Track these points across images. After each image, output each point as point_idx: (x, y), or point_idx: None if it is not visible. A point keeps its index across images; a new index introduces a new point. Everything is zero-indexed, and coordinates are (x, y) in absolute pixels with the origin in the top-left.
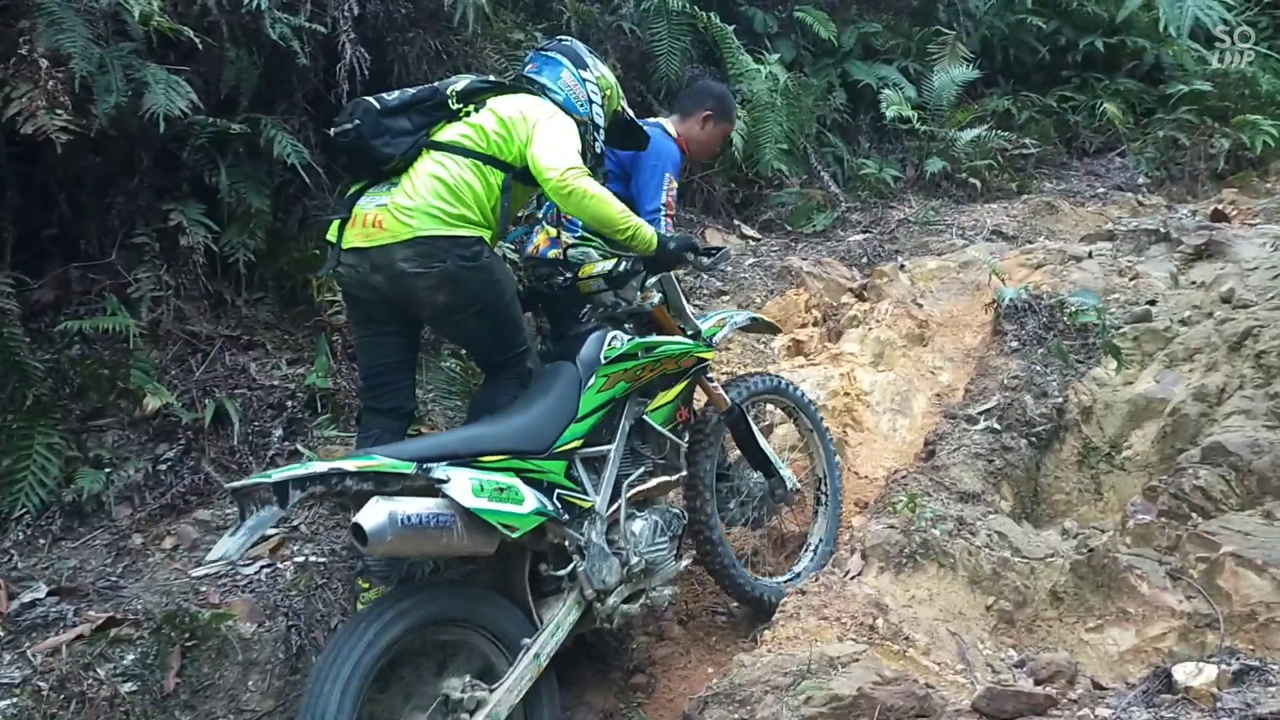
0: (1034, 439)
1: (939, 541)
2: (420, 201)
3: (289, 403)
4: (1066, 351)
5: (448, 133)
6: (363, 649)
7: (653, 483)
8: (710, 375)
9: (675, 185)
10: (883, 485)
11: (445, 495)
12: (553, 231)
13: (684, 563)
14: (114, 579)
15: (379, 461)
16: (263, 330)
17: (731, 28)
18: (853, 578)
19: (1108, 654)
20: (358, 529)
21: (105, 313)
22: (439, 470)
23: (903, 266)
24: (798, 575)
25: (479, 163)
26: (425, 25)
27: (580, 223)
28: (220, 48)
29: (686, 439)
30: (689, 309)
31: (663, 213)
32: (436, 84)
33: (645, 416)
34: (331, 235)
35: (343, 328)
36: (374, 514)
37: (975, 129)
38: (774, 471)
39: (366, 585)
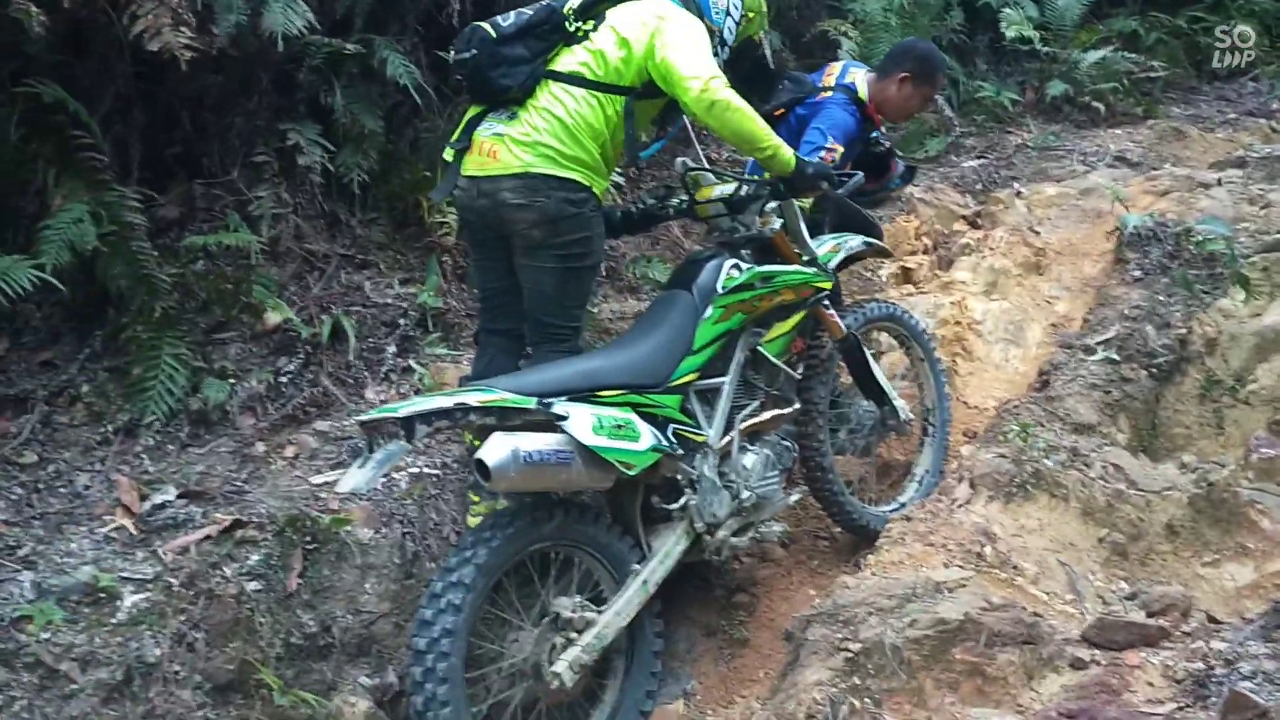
0: (1154, 370)
1: (1051, 472)
2: (535, 137)
3: (401, 320)
4: (1192, 281)
5: (566, 61)
6: (484, 557)
7: (765, 416)
8: (827, 303)
9: (840, 149)
10: (993, 415)
11: (565, 432)
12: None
13: (793, 497)
14: (239, 484)
15: (501, 396)
16: (376, 250)
17: None
18: (960, 506)
19: (1224, 589)
20: (481, 464)
21: (228, 229)
22: (559, 406)
23: (1019, 193)
24: (903, 505)
25: (598, 93)
26: None
27: None
28: None
29: (800, 369)
30: (807, 235)
31: (819, 155)
32: (553, 2)
33: (760, 347)
34: (448, 156)
35: (453, 249)
36: (497, 450)
37: (1100, 50)
38: (886, 400)
39: (477, 500)
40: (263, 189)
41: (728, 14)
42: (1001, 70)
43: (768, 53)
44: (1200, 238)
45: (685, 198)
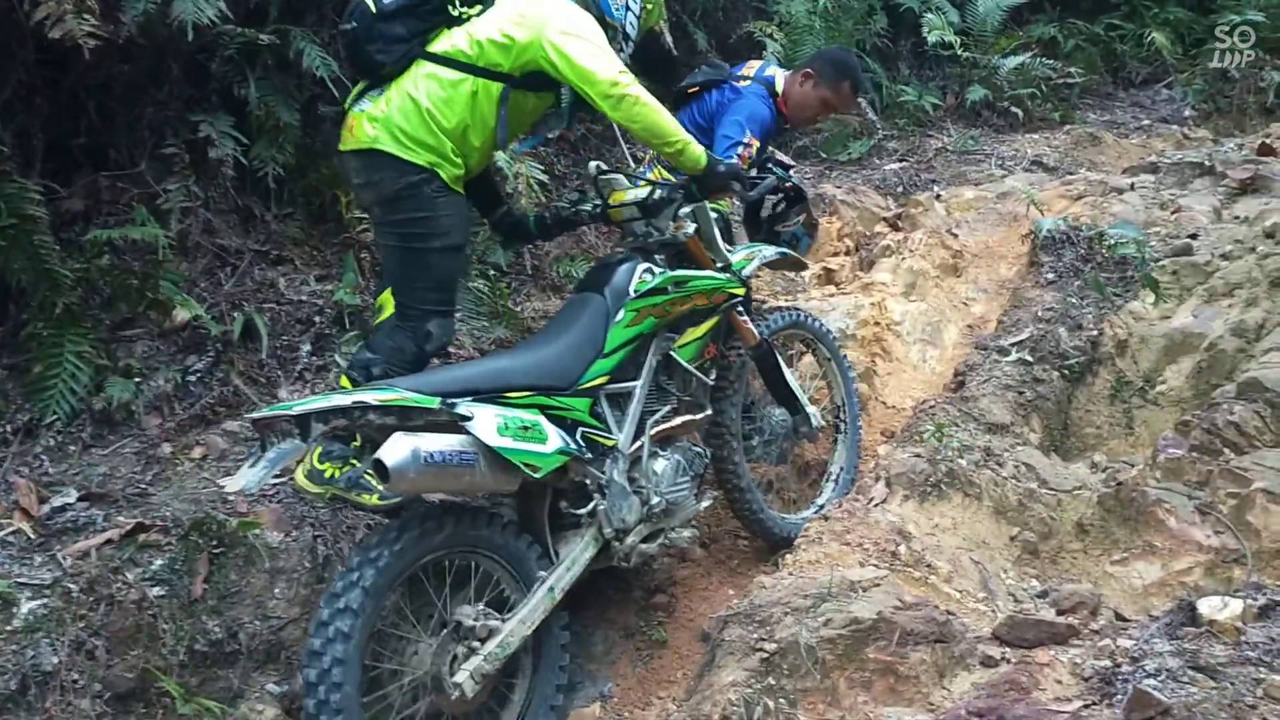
0: (1066, 372)
1: (965, 471)
2: (386, 114)
3: (317, 318)
4: (1103, 284)
5: (443, 43)
6: (371, 578)
7: (677, 421)
8: (740, 310)
9: (756, 143)
10: (910, 415)
11: (469, 433)
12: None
13: (704, 503)
14: (143, 486)
15: (403, 395)
16: (291, 245)
17: None
18: (877, 505)
19: (1132, 587)
20: (379, 464)
21: (135, 223)
22: (463, 406)
23: (939, 196)
24: (820, 507)
25: (473, 76)
26: None
27: None
28: None
29: (713, 376)
30: (720, 241)
31: (735, 153)
32: None
33: (672, 352)
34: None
35: (369, 244)
36: (397, 450)
37: (1019, 56)
38: (799, 408)
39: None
40: (172, 181)
41: (628, 9)
42: (924, 75)
43: (668, 41)
44: (1112, 242)
45: (598, 202)
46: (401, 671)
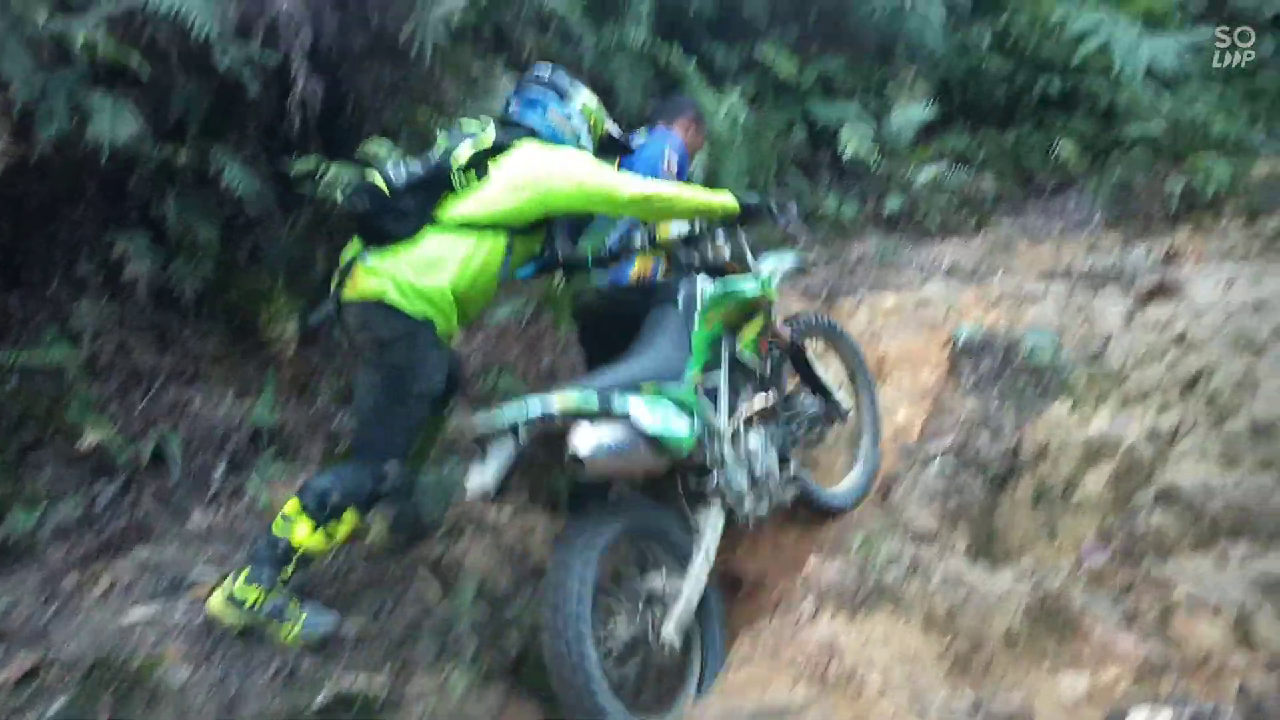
0: (990, 478)
1: (893, 583)
2: (391, 270)
3: (233, 438)
4: (1022, 390)
5: (451, 209)
6: (592, 541)
7: (757, 405)
8: (772, 313)
9: (675, 164)
10: (839, 524)
11: (630, 423)
12: (650, 258)
13: (791, 470)
14: (44, 622)
15: (575, 396)
16: (209, 363)
17: (692, 63)
18: (807, 621)
19: (1063, 698)
20: (575, 457)
21: (45, 344)
22: (618, 401)
23: (862, 303)
24: (857, 487)
25: (480, 232)
26: (383, 57)
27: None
28: (168, 76)
29: (769, 367)
30: (750, 258)
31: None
32: (440, 158)
33: (738, 350)
34: (333, 285)
35: (291, 361)
36: (587, 441)
37: (934, 166)
38: (829, 395)
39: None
40: (85, 301)
41: (578, 133)
42: (844, 185)
43: (616, 131)
44: (1029, 348)
45: (647, 236)
46: (610, 639)
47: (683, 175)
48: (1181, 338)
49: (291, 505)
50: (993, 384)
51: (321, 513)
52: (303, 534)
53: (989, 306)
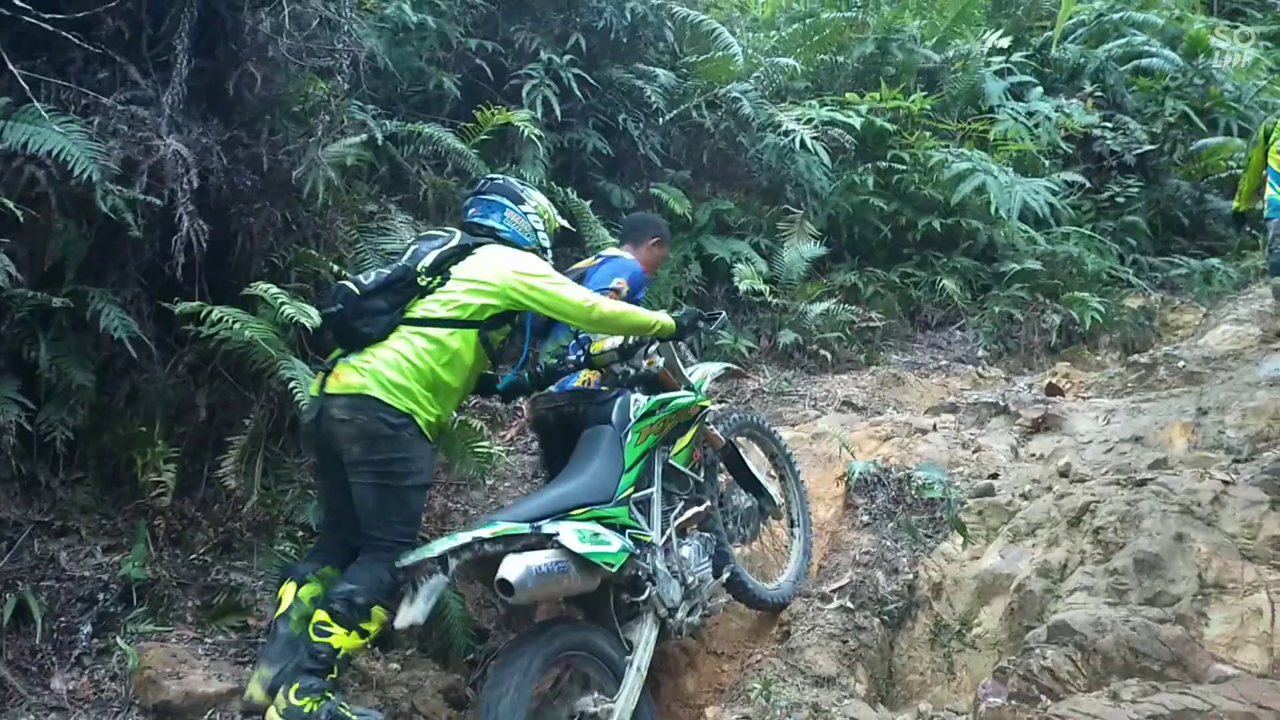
0: (886, 617)
1: None
2: (373, 368)
3: (101, 595)
4: (915, 526)
5: (420, 309)
6: (530, 662)
7: (688, 514)
8: (706, 419)
9: (625, 287)
10: (739, 668)
11: (559, 545)
12: (593, 376)
13: (724, 576)
14: None
15: (505, 526)
16: (78, 514)
17: (588, 202)
18: None
19: None
20: (504, 583)
21: None
22: (548, 526)
23: None
24: (793, 580)
25: (450, 329)
26: (273, 196)
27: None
28: (47, 219)
29: (702, 475)
30: (682, 368)
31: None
32: (407, 262)
33: (670, 460)
34: (314, 390)
35: (167, 511)
36: (515, 568)
37: (824, 302)
38: (762, 490)
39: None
40: None
41: (535, 230)
42: (739, 319)
43: (565, 224)
44: (920, 483)
45: (581, 352)
46: None
47: (636, 297)
48: (1065, 471)
49: (322, 615)
50: (887, 519)
51: (351, 615)
52: (339, 638)
53: (881, 441)
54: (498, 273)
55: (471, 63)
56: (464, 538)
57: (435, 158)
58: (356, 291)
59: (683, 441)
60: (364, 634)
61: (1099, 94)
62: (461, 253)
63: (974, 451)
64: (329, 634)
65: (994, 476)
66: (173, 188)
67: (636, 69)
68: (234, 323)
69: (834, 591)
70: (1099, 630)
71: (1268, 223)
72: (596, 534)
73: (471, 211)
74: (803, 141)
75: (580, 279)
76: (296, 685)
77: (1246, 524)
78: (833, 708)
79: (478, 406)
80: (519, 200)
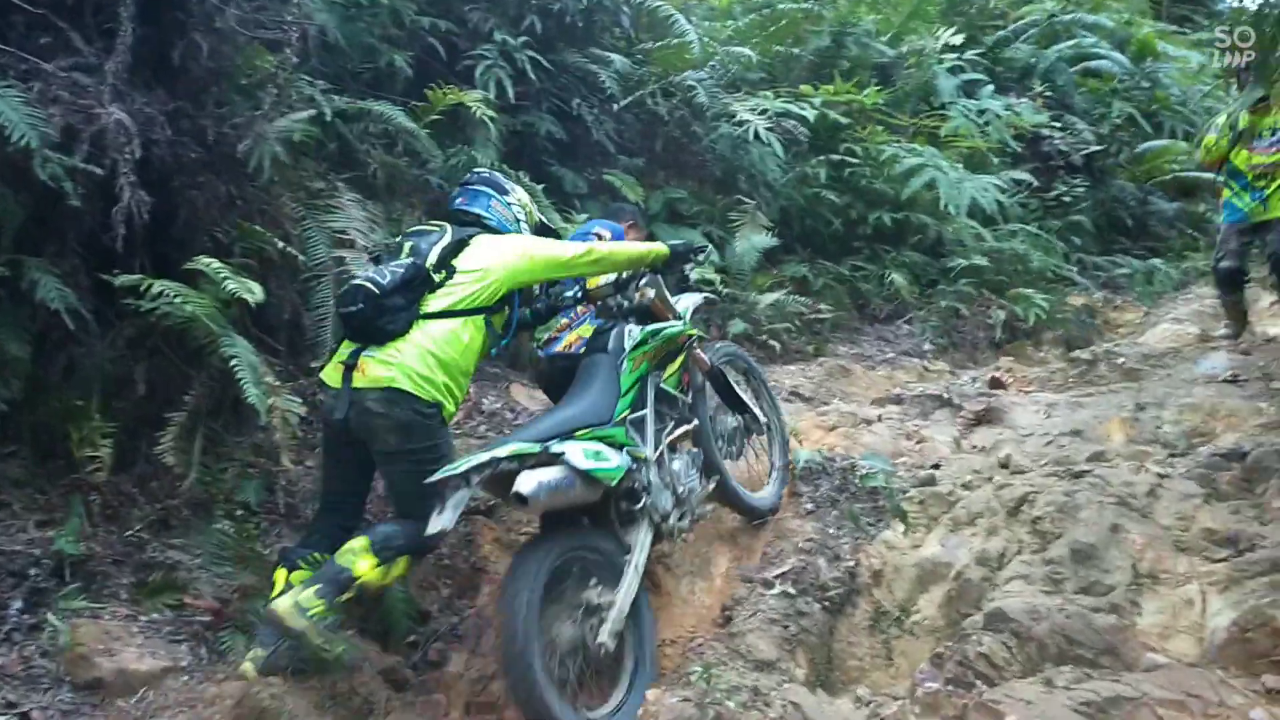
0: (828, 603)
1: (734, 714)
2: (399, 361)
3: (33, 570)
4: (858, 514)
5: (434, 303)
6: (542, 560)
7: (678, 432)
8: (693, 347)
9: (608, 235)
10: (681, 653)
11: (566, 463)
12: (576, 335)
13: (711, 485)
14: None
15: (518, 446)
16: (11, 488)
17: (541, 186)
18: None
19: None
20: (519, 496)
21: None
22: (555, 446)
23: None
24: (776, 492)
25: (462, 318)
26: (218, 170)
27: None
28: None
29: (690, 396)
30: (670, 300)
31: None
32: (415, 260)
33: (661, 384)
34: (333, 380)
35: (102, 486)
36: (528, 483)
37: (775, 293)
38: (747, 409)
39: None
40: None
41: (518, 220)
42: None
43: (545, 221)
44: (864, 472)
45: (579, 288)
46: (555, 643)
47: None
48: (1006, 463)
49: (361, 542)
50: (831, 508)
51: (385, 553)
52: (365, 568)
53: (827, 430)
54: (499, 257)
55: (424, 41)
56: (484, 457)
57: (385, 136)
58: (377, 291)
59: (673, 367)
60: (385, 574)
61: (1048, 94)
62: (459, 246)
63: (917, 442)
64: (356, 559)
65: (936, 467)
66: (114, 157)
67: (592, 54)
68: (175, 297)
69: (776, 577)
70: (1035, 618)
71: (1221, 226)
72: (598, 452)
73: (459, 200)
74: (757, 132)
75: None
76: (315, 588)
77: (1180, 516)
78: (772, 692)
79: None
80: (504, 191)
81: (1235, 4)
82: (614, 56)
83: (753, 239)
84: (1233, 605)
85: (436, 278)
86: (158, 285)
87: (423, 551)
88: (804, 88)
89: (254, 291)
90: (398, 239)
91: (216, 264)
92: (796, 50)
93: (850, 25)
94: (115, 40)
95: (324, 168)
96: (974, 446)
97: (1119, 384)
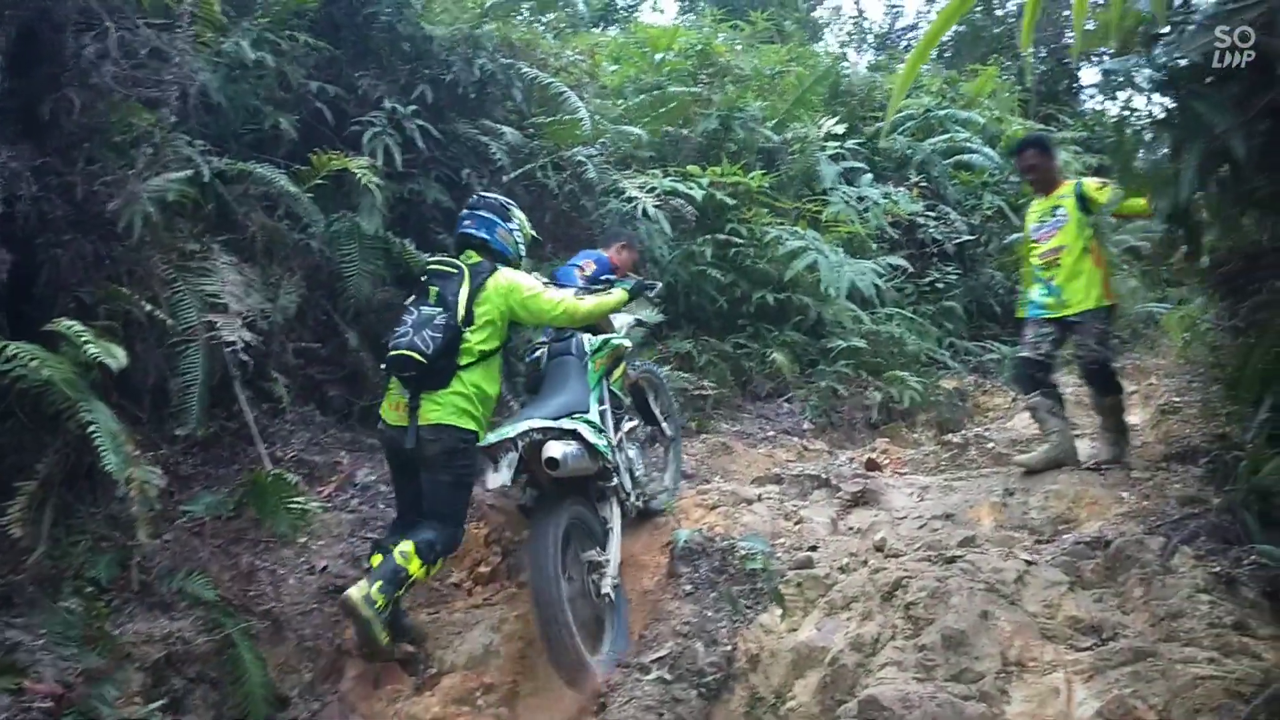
0: (704, 690)
1: None
2: (449, 401)
3: None
4: (736, 597)
5: (466, 355)
6: (557, 524)
7: (628, 426)
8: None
9: (592, 267)
10: None
11: (578, 437)
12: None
13: (668, 480)
14: None
15: (546, 422)
16: None
17: (428, 255)
18: None
19: None
20: (551, 460)
21: None
22: (567, 423)
23: None
24: (669, 490)
25: (486, 359)
26: (85, 228)
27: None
28: None
29: (631, 399)
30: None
31: (575, 278)
32: (449, 319)
33: (611, 387)
34: (393, 419)
35: None
36: (559, 450)
37: (660, 369)
38: (657, 422)
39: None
40: None
41: (518, 244)
42: None
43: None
44: (743, 553)
45: None
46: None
47: (598, 275)
48: (880, 546)
49: (408, 546)
50: (709, 590)
51: (429, 555)
52: (416, 569)
53: (708, 509)
54: (504, 304)
55: (311, 105)
56: (523, 426)
57: (267, 199)
58: (425, 361)
59: (617, 372)
60: (427, 573)
61: (924, 184)
62: (476, 292)
63: (796, 523)
64: (409, 562)
65: (814, 549)
66: None
67: (483, 125)
68: (30, 360)
69: (653, 662)
70: (907, 707)
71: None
72: (593, 431)
73: (466, 224)
74: (645, 209)
75: (550, 277)
76: (380, 583)
77: (1046, 604)
78: None
79: (295, 460)
80: (507, 218)
81: (1096, 107)
82: (505, 129)
83: (640, 313)
84: (1097, 695)
85: (465, 331)
86: (12, 347)
87: (451, 553)
88: (692, 168)
89: (116, 356)
90: (422, 278)
91: (78, 326)
92: (685, 131)
93: (738, 110)
94: None
95: (200, 229)
96: (850, 528)
97: (988, 468)
